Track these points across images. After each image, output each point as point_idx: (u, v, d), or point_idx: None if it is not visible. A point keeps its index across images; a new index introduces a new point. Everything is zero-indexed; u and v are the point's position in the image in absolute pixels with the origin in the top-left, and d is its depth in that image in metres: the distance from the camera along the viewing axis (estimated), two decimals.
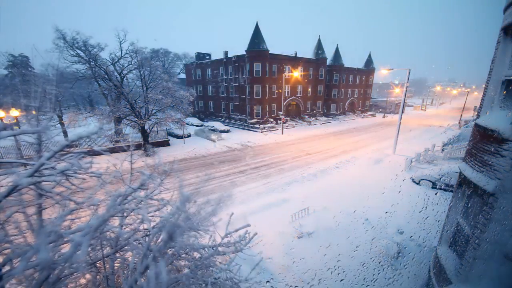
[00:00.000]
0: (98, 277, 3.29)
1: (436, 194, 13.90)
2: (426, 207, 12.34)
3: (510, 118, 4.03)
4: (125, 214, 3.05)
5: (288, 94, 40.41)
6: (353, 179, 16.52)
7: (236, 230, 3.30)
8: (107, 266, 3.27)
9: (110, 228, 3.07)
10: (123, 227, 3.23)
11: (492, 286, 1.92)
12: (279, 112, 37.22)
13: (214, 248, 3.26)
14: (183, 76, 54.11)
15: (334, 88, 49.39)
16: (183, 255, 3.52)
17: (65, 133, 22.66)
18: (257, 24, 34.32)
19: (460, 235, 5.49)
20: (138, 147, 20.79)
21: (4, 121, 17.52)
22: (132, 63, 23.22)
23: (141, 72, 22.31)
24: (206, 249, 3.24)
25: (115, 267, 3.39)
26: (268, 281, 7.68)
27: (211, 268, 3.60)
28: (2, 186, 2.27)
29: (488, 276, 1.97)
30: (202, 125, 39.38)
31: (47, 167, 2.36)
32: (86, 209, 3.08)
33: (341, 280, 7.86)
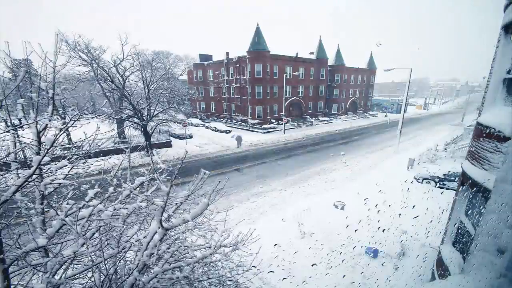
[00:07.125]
0: (100, 277, 3.32)
1: (433, 192, 13.79)
2: (429, 207, 12.22)
3: (511, 116, 4.01)
4: (126, 214, 3.08)
5: (289, 95, 40.31)
6: (355, 179, 16.45)
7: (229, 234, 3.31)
8: (110, 267, 3.30)
9: (113, 227, 3.10)
10: (125, 227, 3.26)
11: (486, 277, 1.93)
12: (281, 113, 37.18)
13: (215, 248, 3.27)
14: (184, 77, 54.28)
15: (336, 88, 49.30)
16: (183, 255, 3.54)
17: (68, 135, 22.81)
18: (258, 25, 34.41)
19: (463, 234, 5.46)
20: (140, 148, 20.89)
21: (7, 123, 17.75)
22: (134, 64, 23.32)
23: (143, 74, 22.42)
24: (205, 249, 3.26)
25: (117, 267, 3.41)
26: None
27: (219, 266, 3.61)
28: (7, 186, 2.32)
29: (484, 268, 1.98)
30: (203, 126, 39.45)
31: (46, 167, 2.41)
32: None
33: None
